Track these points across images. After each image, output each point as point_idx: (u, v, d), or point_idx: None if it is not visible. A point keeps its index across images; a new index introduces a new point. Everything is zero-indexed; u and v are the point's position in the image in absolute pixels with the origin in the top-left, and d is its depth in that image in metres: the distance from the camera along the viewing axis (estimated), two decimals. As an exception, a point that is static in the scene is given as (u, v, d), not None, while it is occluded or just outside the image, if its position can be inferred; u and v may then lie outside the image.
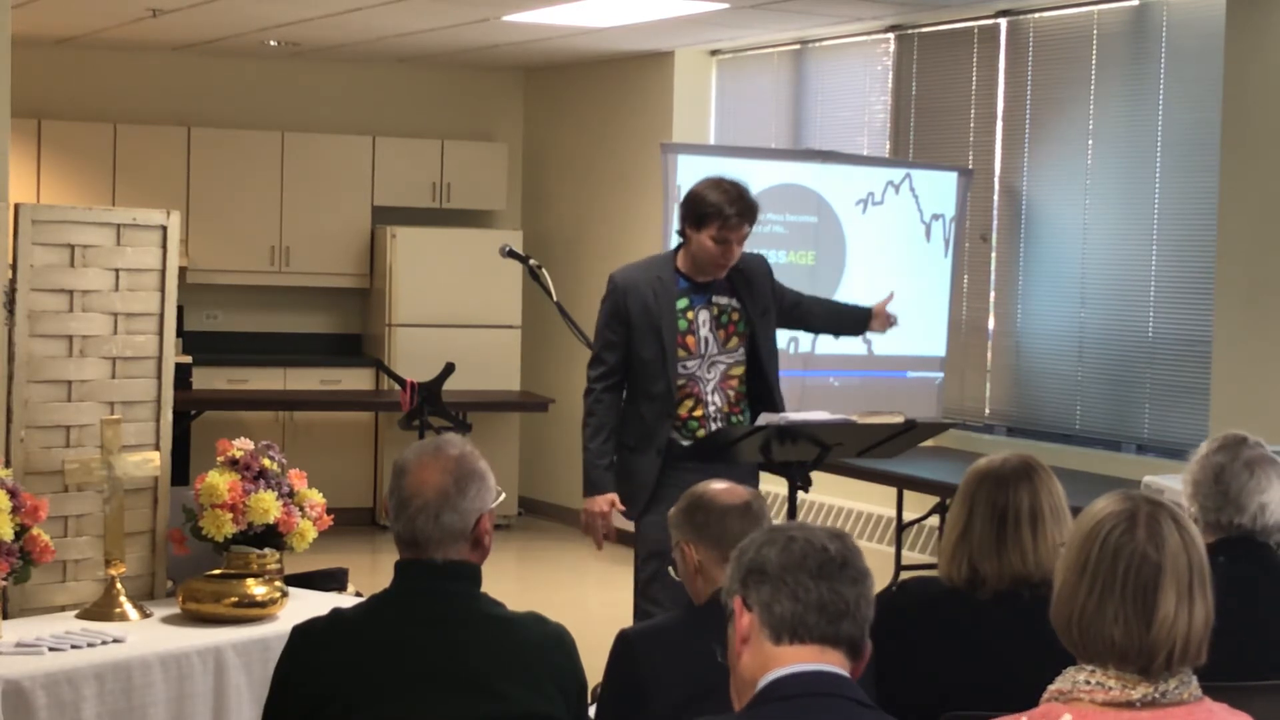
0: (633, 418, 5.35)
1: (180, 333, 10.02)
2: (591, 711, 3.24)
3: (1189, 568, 2.30)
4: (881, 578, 7.73)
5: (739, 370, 5.40)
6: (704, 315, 5.36)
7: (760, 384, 5.43)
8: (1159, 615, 2.25)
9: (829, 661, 2.33)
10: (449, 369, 7.35)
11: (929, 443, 7.19)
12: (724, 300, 5.39)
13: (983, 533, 3.31)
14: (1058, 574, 2.36)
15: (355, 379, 10.85)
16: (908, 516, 8.17)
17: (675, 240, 7.87)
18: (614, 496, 5.27)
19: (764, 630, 2.33)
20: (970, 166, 8.53)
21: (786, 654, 2.33)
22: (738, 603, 2.37)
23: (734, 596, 2.39)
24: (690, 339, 5.33)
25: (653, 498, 5.30)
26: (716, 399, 5.36)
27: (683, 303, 5.34)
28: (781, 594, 2.33)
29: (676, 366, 5.29)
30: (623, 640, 3.34)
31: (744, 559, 2.40)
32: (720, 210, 5.20)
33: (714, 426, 5.35)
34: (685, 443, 5.33)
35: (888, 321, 6.00)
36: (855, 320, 5.99)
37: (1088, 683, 2.27)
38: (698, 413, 5.34)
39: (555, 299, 6.15)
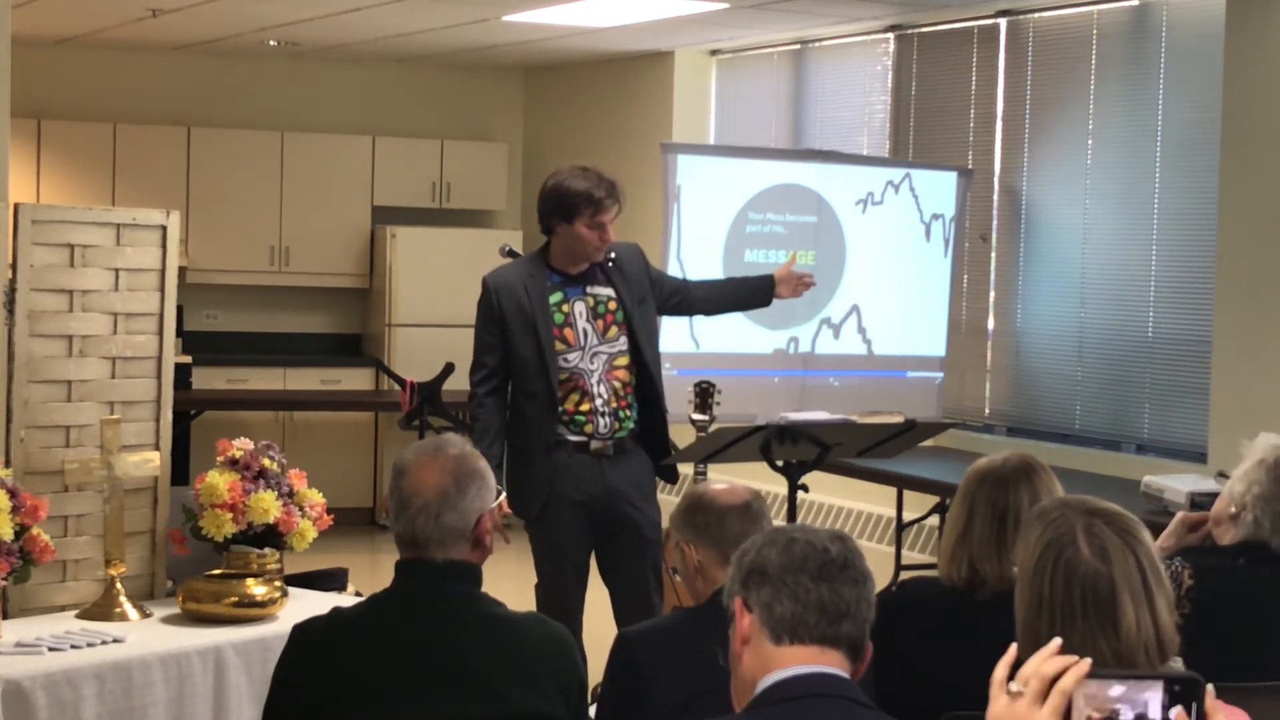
0: (517, 418, 5.33)
1: (180, 333, 10.02)
2: (592, 711, 3.24)
3: (1138, 568, 2.29)
4: (881, 578, 7.72)
5: (624, 360, 5.37)
6: (580, 306, 5.35)
7: (641, 373, 5.41)
8: (1123, 627, 2.25)
9: (829, 663, 2.32)
10: (449, 369, 7.35)
11: (929, 443, 7.19)
12: (600, 290, 5.38)
13: (983, 533, 3.31)
14: (1016, 609, 2.34)
15: (355, 379, 10.85)
16: (908, 516, 8.17)
17: (675, 239, 7.92)
18: (502, 499, 5.25)
19: (764, 631, 2.33)
20: (970, 166, 8.53)
21: (787, 655, 2.32)
22: (738, 604, 2.37)
23: (735, 598, 2.39)
24: (569, 331, 5.33)
25: (548, 497, 5.29)
26: (603, 390, 5.33)
27: (556, 296, 5.33)
28: (782, 594, 2.33)
29: (556, 361, 5.28)
30: (623, 640, 3.34)
31: (745, 560, 2.40)
32: (590, 196, 5.24)
33: (602, 420, 5.31)
34: (574, 438, 5.30)
35: (799, 282, 5.92)
36: (757, 291, 5.88)
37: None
38: (584, 406, 5.31)
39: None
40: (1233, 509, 3.66)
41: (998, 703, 1.83)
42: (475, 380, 5.34)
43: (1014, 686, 1.81)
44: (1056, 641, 1.83)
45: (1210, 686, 1.74)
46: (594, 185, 5.27)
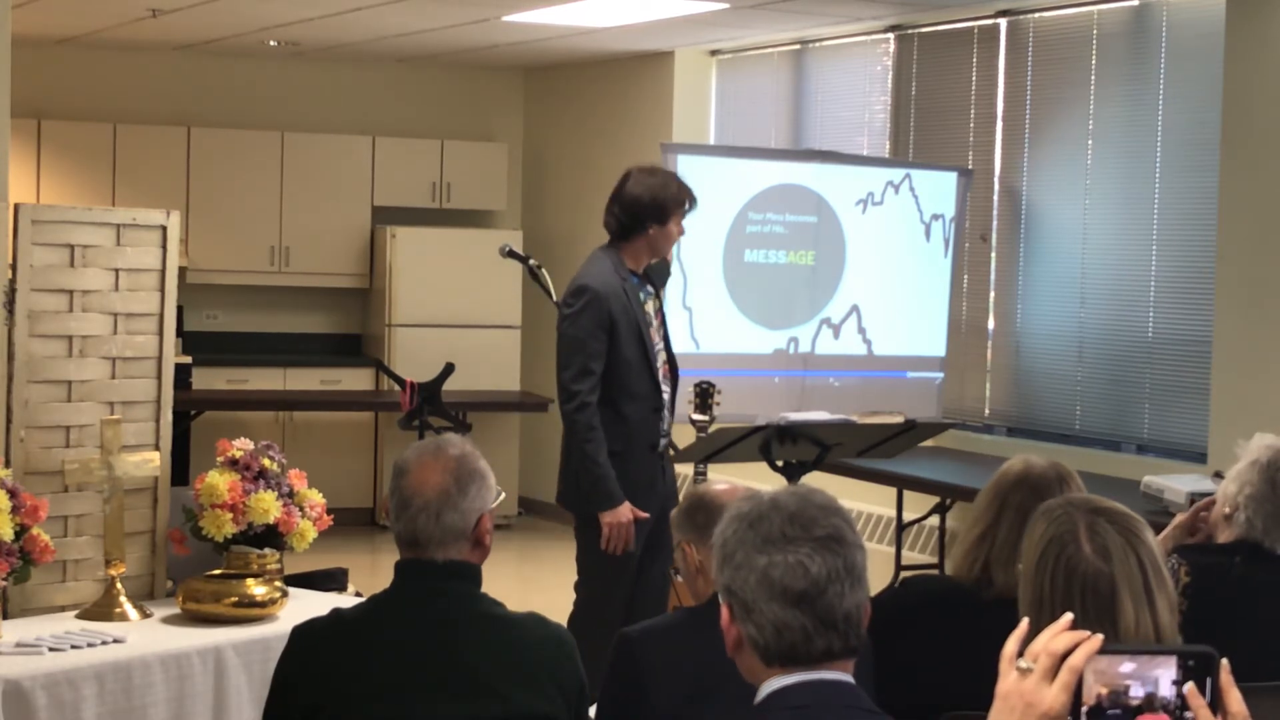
0: (612, 421, 5.32)
1: (180, 333, 10.02)
2: (592, 711, 3.24)
3: (1140, 568, 2.28)
4: (882, 578, 7.74)
5: (664, 355, 5.51)
6: (650, 306, 5.49)
7: (673, 363, 5.54)
8: (1122, 626, 2.24)
9: (827, 669, 2.27)
10: (449, 369, 7.35)
11: (929, 443, 7.19)
12: (649, 288, 5.53)
13: (1006, 539, 3.25)
14: (1019, 606, 2.33)
15: (355, 379, 10.85)
16: (908, 516, 8.17)
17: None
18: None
19: (754, 653, 2.28)
20: (970, 166, 8.53)
21: (781, 670, 2.26)
22: (725, 611, 2.31)
23: (723, 603, 2.33)
24: (652, 331, 5.44)
25: (649, 495, 5.35)
26: (666, 386, 5.46)
27: (640, 297, 5.44)
28: (766, 631, 2.23)
29: (657, 359, 5.39)
30: (623, 640, 3.33)
31: (723, 577, 2.30)
32: (684, 199, 5.42)
33: (667, 415, 5.44)
34: None
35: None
36: (662, 274, 6.12)
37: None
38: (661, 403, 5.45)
39: (555, 299, 6.15)
40: (1226, 509, 3.68)
41: (1007, 679, 1.81)
42: (585, 389, 5.27)
43: (1023, 663, 1.80)
44: (1067, 617, 1.81)
45: (1225, 661, 1.74)
46: (682, 187, 5.43)
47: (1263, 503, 3.62)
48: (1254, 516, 3.62)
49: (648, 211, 5.36)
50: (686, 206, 5.45)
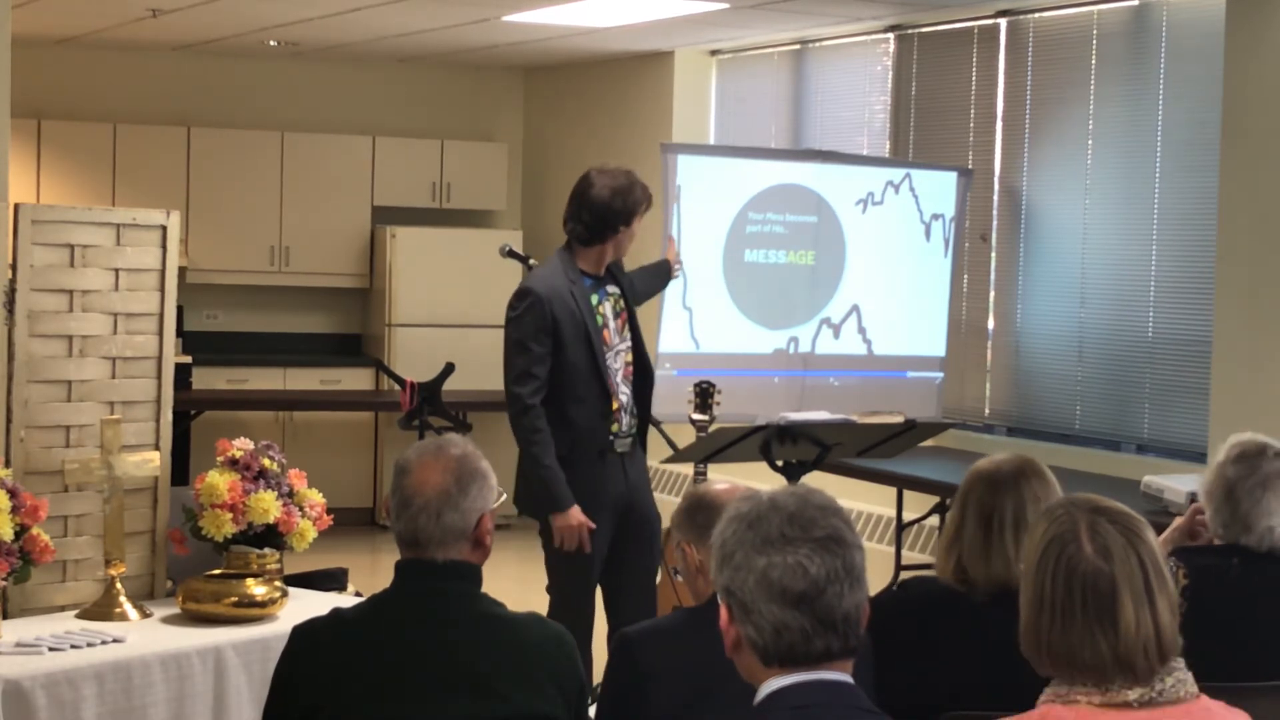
0: (559, 426, 5.27)
1: (180, 333, 10.02)
2: (592, 711, 3.24)
3: (1140, 568, 2.28)
4: (882, 578, 7.74)
5: (629, 356, 5.46)
6: (607, 307, 5.43)
7: (641, 363, 5.49)
8: (1122, 625, 2.24)
9: (826, 669, 2.27)
10: (449, 369, 7.35)
11: (929, 443, 7.19)
12: (612, 289, 5.47)
13: (972, 535, 3.31)
14: (1020, 607, 2.33)
15: (355, 379, 10.85)
16: (908, 516, 8.17)
17: (664, 240, 7.91)
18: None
19: (753, 653, 2.29)
20: (970, 166, 8.53)
21: (779, 670, 2.27)
22: (724, 612, 2.31)
23: (722, 604, 2.33)
24: (606, 333, 5.39)
25: (595, 501, 5.30)
26: (625, 388, 5.40)
27: (594, 299, 5.39)
28: (765, 632, 2.24)
29: (607, 363, 5.33)
30: (623, 640, 3.33)
31: (722, 577, 2.30)
32: (644, 199, 5.41)
33: (625, 418, 5.37)
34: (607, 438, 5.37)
35: (676, 260, 6.32)
36: (663, 274, 6.16)
37: (1084, 685, 2.26)
38: (613, 406, 5.36)
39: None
40: (1203, 513, 3.74)
41: None
42: (528, 392, 5.23)
43: None
44: None
45: None
46: (643, 185, 5.42)
47: (1213, 499, 3.68)
48: (1215, 515, 3.68)
49: (618, 215, 5.34)
50: (649, 205, 5.45)
